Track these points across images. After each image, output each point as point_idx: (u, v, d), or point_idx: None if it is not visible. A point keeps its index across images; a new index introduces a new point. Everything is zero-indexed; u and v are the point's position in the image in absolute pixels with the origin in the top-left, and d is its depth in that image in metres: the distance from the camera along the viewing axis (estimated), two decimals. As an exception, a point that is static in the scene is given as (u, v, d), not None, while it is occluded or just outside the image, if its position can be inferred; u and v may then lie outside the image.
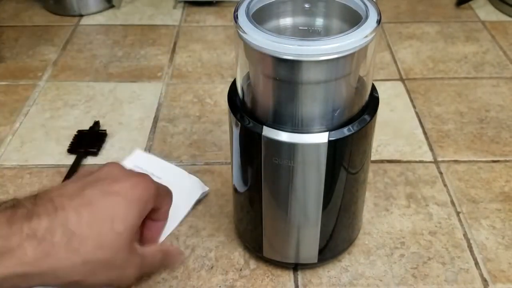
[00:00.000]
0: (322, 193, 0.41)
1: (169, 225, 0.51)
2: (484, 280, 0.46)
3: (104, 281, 0.38)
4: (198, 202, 0.53)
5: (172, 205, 0.46)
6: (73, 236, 0.35)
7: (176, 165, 0.57)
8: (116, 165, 0.41)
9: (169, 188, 0.45)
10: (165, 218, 0.46)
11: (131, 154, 0.58)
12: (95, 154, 0.60)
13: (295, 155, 0.38)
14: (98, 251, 0.37)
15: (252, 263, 0.48)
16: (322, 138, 0.38)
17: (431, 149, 0.61)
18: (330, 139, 0.38)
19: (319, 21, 0.41)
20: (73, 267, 0.36)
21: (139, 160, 0.58)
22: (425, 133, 0.63)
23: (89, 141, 0.61)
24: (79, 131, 0.62)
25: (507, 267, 0.48)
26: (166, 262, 0.46)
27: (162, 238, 0.50)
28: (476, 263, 0.48)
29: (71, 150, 0.60)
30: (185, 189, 0.54)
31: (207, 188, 0.54)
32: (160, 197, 0.42)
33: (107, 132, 0.63)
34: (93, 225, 0.36)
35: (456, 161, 0.59)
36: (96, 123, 0.64)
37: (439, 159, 0.59)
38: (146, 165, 0.57)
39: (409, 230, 0.51)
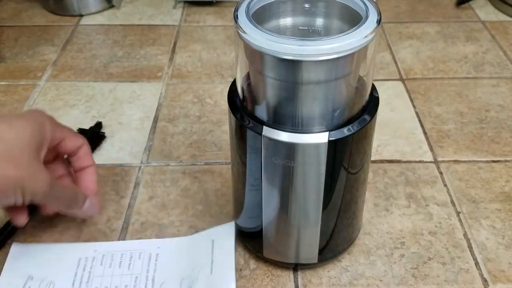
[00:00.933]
0: (322, 193, 0.41)
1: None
2: (484, 280, 0.46)
3: (14, 176, 0.40)
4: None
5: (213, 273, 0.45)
6: None
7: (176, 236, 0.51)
8: None
9: (78, 133, 0.50)
10: (89, 162, 0.49)
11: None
12: None
13: (295, 155, 0.38)
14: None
15: (252, 263, 0.48)
16: (322, 138, 0.38)
17: (431, 149, 0.61)
18: (330, 139, 0.38)
19: (319, 21, 0.41)
20: None
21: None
22: (425, 133, 0.63)
23: None
24: (80, 129, 0.62)
25: (507, 267, 0.48)
26: (76, 202, 0.46)
27: None
28: (476, 263, 0.48)
29: None
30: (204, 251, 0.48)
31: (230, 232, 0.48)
32: (59, 126, 0.47)
33: (107, 131, 0.63)
34: None
35: (456, 161, 0.59)
36: (98, 124, 0.64)
37: (439, 159, 0.59)
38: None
39: (409, 230, 0.51)
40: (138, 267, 0.47)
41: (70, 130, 0.49)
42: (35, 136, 0.43)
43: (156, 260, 0.48)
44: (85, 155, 0.49)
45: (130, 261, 0.48)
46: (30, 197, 0.41)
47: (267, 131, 0.38)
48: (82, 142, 0.49)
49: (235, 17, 0.37)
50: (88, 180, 0.50)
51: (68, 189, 0.47)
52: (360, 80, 0.39)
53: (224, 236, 0.48)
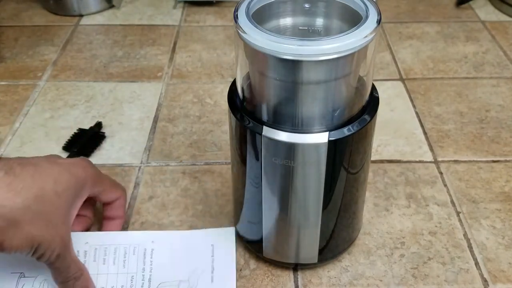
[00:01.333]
0: (322, 193, 0.41)
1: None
2: (484, 280, 0.46)
3: (37, 235, 0.39)
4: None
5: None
6: (16, 179, 0.38)
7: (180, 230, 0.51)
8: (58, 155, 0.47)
9: (119, 184, 0.50)
10: (120, 215, 0.50)
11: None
12: (86, 155, 0.59)
13: (295, 155, 0.38)
14: (39, 201, 0.39)
15: (252, 263, 0.48)
16: (322, 138, 0.38)
17: (431, 149, 0.61)
18: (330, 139, 0.38)
19: (319, 21, 0.41)
20: (13, 206, 0.37)
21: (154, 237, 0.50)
22: (425, 133, 0.63)
23: (85, 141, 0.61)
24: (80, 129, 0.63)
25: (507, 267, 0.48)
26: (77, 283, 0.43)
27: None
28: (476, 263, 0.48)
29: (66, 148, 0.60)
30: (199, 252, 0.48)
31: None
32: (101, 180, 0.46)
33: (107, 131, 0.63)
34: (37, 179, 0.40)
35: (456, 161, 0.59)
36: (98, 124, 0.64)
37: (439, 159, 0.59)
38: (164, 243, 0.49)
39: (409, 230, 0.51)
40: (133, 264, 0.47)
41: (110, 181, 0.49)
42: (72, 195, 0.42)
43: (151, 257, 0.47)
44: (118, 208, 0.49)
45: (125, 257, 0.47)
46: (37, 254, 0.40)
47: (267, 131, 0.38)
48: (119, 195, 0.49)
49: (235, 17, 0.37)
50: (111, 230, 0.50)
51: (71, 268, 0.43)
52: (360, 80, 0.39)
53: (224, 243, 0.48)
